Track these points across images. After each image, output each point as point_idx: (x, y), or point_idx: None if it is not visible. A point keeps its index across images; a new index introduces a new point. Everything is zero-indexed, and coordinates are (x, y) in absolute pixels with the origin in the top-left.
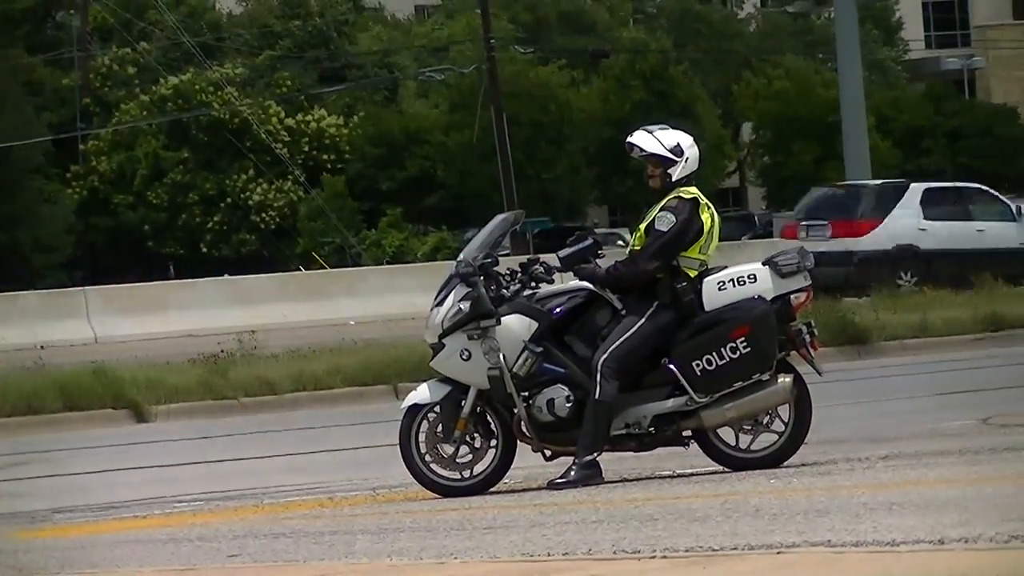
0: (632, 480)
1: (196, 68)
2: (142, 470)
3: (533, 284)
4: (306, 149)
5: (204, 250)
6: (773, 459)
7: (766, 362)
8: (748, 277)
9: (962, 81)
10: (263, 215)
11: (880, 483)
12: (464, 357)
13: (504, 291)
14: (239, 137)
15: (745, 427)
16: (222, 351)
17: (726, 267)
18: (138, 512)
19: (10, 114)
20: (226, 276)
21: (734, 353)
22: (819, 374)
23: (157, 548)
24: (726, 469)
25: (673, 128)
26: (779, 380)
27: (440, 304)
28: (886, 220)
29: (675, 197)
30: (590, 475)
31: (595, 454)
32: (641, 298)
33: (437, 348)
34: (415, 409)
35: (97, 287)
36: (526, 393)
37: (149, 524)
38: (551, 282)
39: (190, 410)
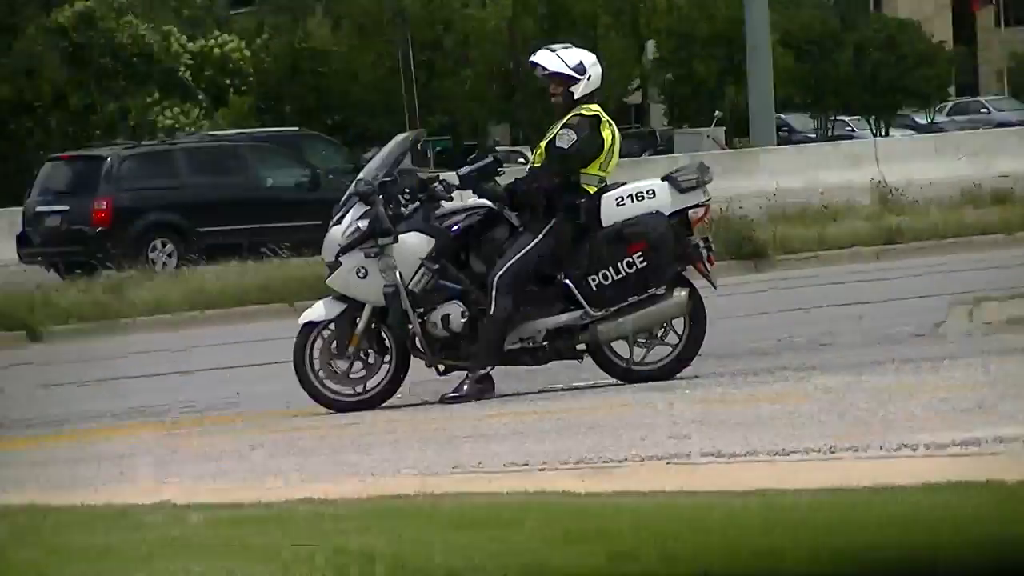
0: (525, 394)
1: None
2: (30, 391)
3: (432, 202)
4: (210, 72)
5: None
6: (667, 371)
7: (663, 277)
8: (647, 193)
9: None
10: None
11: (775, 394)
12: (361, 275)
13: (403, 209)
14: (143, 62)
15: (639, 340)
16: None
17: (625, 183)
18: (25, 433)
19: None
20: None
21: (630, 268)
22: (714, 288)
23: (40, 469)
24: (620, 382)
25: (576, 47)
26: (674, 294)
27: (338, 222)
28: None
29: (576, 114)
30: (483, 389)
31: (488, 368)
32: (540, 215)
33: (334, 266)
34: (311, 326)
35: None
36: (421, 310)
37: (33, 444)
38: (450, 200)
39: (81, 331)
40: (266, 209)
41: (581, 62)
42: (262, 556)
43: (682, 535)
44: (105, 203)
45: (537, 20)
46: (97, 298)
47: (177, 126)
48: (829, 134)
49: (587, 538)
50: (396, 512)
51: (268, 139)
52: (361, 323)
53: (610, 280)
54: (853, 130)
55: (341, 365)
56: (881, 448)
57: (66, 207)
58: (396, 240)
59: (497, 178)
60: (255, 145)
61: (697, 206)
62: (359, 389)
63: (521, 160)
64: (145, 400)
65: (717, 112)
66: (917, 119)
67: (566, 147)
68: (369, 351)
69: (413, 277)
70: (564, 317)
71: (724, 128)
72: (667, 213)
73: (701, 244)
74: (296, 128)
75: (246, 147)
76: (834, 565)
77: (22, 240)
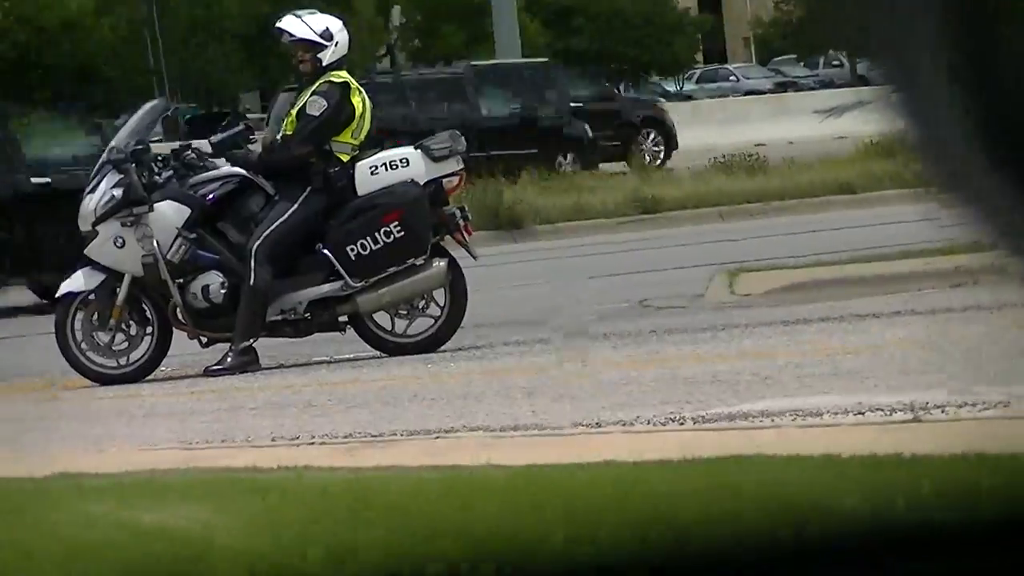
0: (289, 366)
1: None
2: None
3: (186, 170)
4: None
5: None
6: (430, 343)
7: (420, 246)
8: (400, 161)
9: None
10: None
11: (537, 367)
12: (118, 244)
13: (157, 178)
14: None
15: (401, 312)
16: None
17: (378, 151)
18: None
19: None
20: None
21: (388, 237)
22: (474, 258)
23: None
24: (383, 354)
25: (321, 13)
26: (434, 264)
27: (92, 192)
28: None
29: (326, 82)
30: (247, 361)
31: (251, 340)
32: (294, 183)
33: (91, 236)
34: (70, 297)
35: None
36: (181, 280)
37: None
38: (203, 169)
39: None
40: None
41: (327, 28)
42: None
43: (454, 509)
44: None
45: None
46: None
47: None
48: None
49: (359, 513)
50: (159, 486)
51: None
52: (121, 294)
53: (368, 250)
54: None
55: (103, 337)
56: (649, 423)
57: None
58: (152, 209)
59: (249, 146)
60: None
61: (451, 175)
62: (122, 361)
63: None
64: None
65: None
66: (666, 87)
67: (317, 114)
68: (131, 322)
69: (171, 247)
70: (324, 288)
71: None
72: (422, 182)
73: (457, 214)
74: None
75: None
76: (594, 544)
77: None
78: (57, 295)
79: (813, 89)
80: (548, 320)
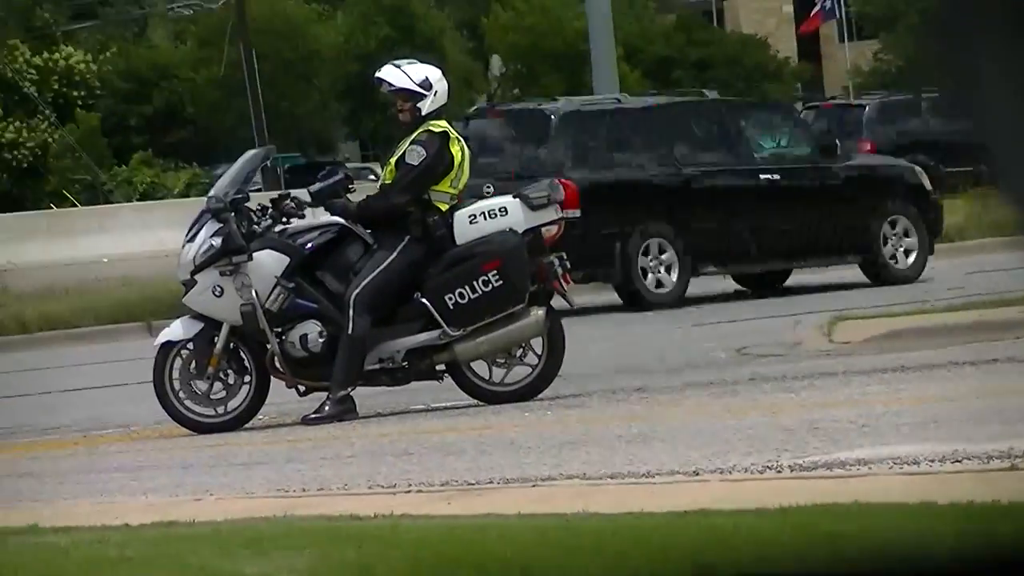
0: (387, 415)
1: None
2: None
3: (284, 219)
4: (56, 87)
5: None
6: (527, 392)
7: (518, 295)
8: (499, 210)
9: (711, 12)
10: (15, 152)
11: (634, 415)
12: (216, 293)
13: (255, 227)
14: None
15: (499, 360)
16: None
17: (477, 200)
18: None
19: None
20: None
21: (486, 286)
22: (571, 307)
23: None
24: (480, 403)
25: (421, 62)
26: (532, 313)
27: (192, 240)
28: None
29: (425, 131)
30: (344, 410)
31: (349, 389)
32: (392, 232)
33: (189, 284)
34: (168, 346)
35: None
36: (279, 329)
37: None
38: (302, 217)
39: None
40: None
41: (427, 77)
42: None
43: (550, 557)
44: None
45: (381, 37)
46: None
47: (20, 140)
48: None
49: (456, 561)
50: (257, 535)
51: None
52: (219, 343)
53: (466, 299)
54: None
55: (201, 386)
56: (746, 470)
57: None
58: (250, 258)
59: (348, 195)
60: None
61: (550, 223)
62: (220, 410)
63: (372, 177)
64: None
65: None
66: None
67: (416, 164)
68: (229, 371)
69: (269, 296)
70: (422, 337)
71: None
72: (520, 231)
73: (556, 262)
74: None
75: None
76: None
77: None
78: (156, 343)
79: None
80: (645, 368)
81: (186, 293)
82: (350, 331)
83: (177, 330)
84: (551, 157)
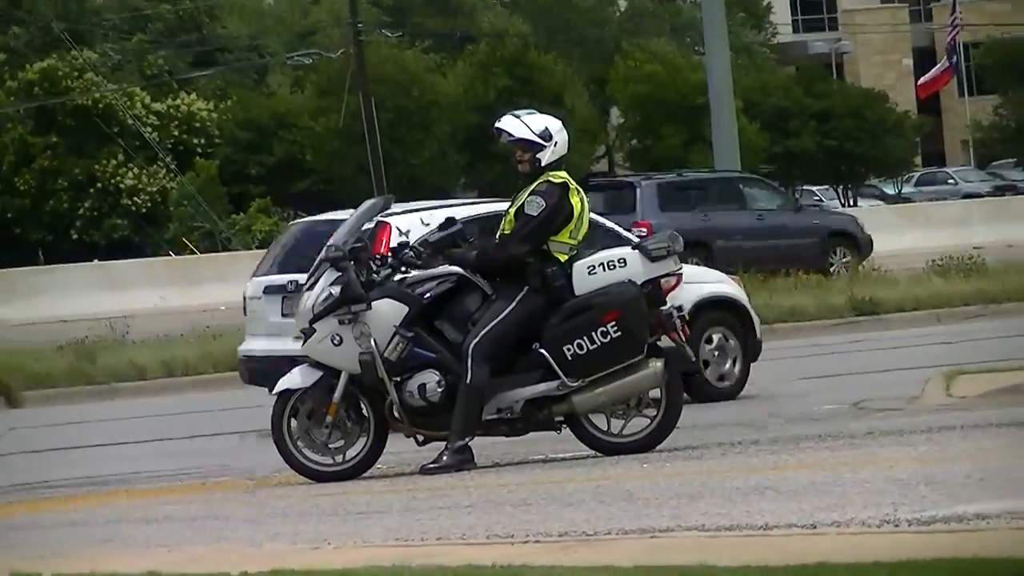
0: (505, 465)
1: (63, 52)
2: (12, 456)
3: (403, 269)
4: (176, 134)
5: (74, 236)
6: (645, 443)
7: (637, 346)
8: (618, 261)
9: (831, 65)
10: (135, 199)
11: (752, 467)
12: (335, 342)
13: (374, 276)
14: (107, 122)
15: (617, 411)
16: (87, 337)
17: (596, 251)
18: (9, 498)
19: None
20: (96, 261)
21: (605, 337)
22: (691, 359)
23: (26, 533)
24: (598, 454)
25: (541, 113)
26: (650, 364)
27: (310, 289)
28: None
29: (544, 181)
30: (463, 460)
31: (467, 439)
32: (511, 282)
33: (308, 333)
34: (287, 394)
35: None
36: (398, 378)
37: (19, 510)
38: (421, 267)
39: (62, 396)
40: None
41: (547, 128)
42: None
43: None
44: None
45: (500, 88)
46: None
47: (140, 186)
48: (797, 204)
49: None
50: None
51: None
52: (338, 391)
53: (585, 350)
54: (821, 200)
55: (319, 435)
56: (864, 524)
57: None
58: (369, 307)
59: (467, 245)
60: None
61: (668, 275)
62: (338, 459)
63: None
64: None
65: None
66: (885, 189)
67: (535, 214)
68: (347, 420)
69: (388, 345)
70: (541, 387)
71: None
72: (639, 282)
73: (674, 313)
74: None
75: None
76: None
77: None
78: (274, 392)
79: None
80: (763, 421)
81: (305, 341)
82: (468, 381)
83: (296, 378)
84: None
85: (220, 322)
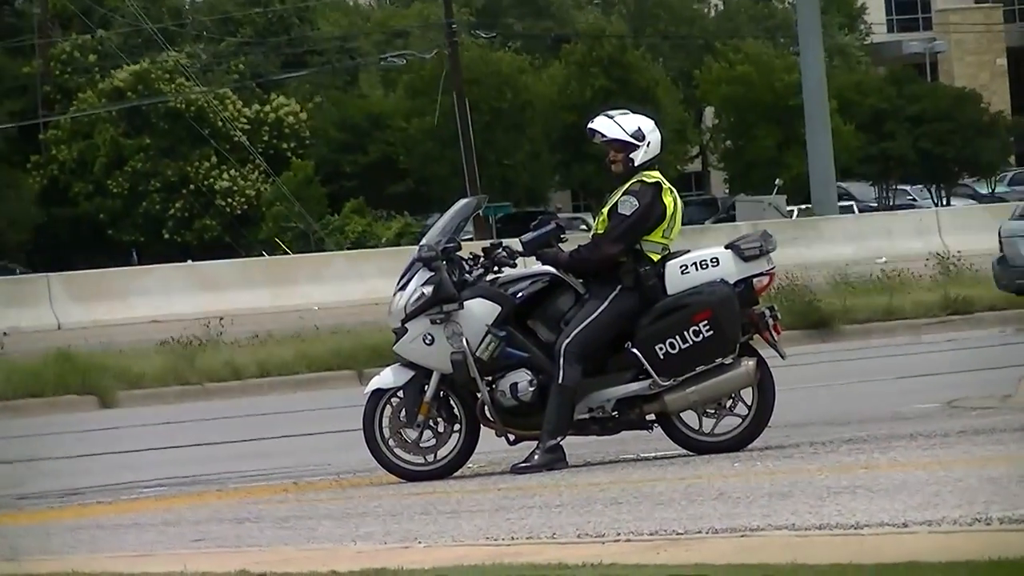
0: (596, 464)
1: (154, 55)
2: (107, 456)
3: (496, 268)
4: (266, 138)
5: (167, 237)
6: (737, 442)
7: (729, 345)
8: (711, 261)
9: (924, 65)
10: (229, 200)
11: (843, 466)
12: (427, 341)
13: (467, 275)
14: (199, 124)
15: (708, 411)
16: (186, 337)
17: (689, 251)
18: (102, 498)
19: None
20: (189, 262)
21: (697, 337)
22: (782, 357)
23: (119, 534)
24: (690, 453)
25: (634, 113)
26: (742, 364)
27: (403, 288)
28: None
29: (638, 181)
30: (554, 459)
31: (559, 438)
32: (604, 282)
33: (400, 332)
34: (379, 394)
35: (60, 273)
36: (489, 377)
37: (113, 510)
38: (514, 266)
39: (155, 396)
40: None
41: (640, 128)
42: None
43: None
44: None
45: (596, 88)
46: None
47: (235, 188)
48: (890, 203)
49: None
50: None
51: None
52: (429, 391)
53: (677, 349)
54: (915, 199)
55: (411, 434)
56: (955, 523)
57: None
58: (461, 306)
59: (560, 245)
60: None
61: (761, 274)
62: (430, 458)
63: (583, 227)
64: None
65: (778, 180)
66: (978, 188)
67: (628, 214)
68: (439, 419)
69: (480, 344)
70: (633, 386)
71: (785, 196)
72: (732, 281)
73: (767, 313)
74: None
75: None
76: None
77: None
78: (366, 391)
79: None
80: (856, 420)
81: (397, 341)
82: (561, 380)
83: (388, 378)
84: None
85: (315, 321)
